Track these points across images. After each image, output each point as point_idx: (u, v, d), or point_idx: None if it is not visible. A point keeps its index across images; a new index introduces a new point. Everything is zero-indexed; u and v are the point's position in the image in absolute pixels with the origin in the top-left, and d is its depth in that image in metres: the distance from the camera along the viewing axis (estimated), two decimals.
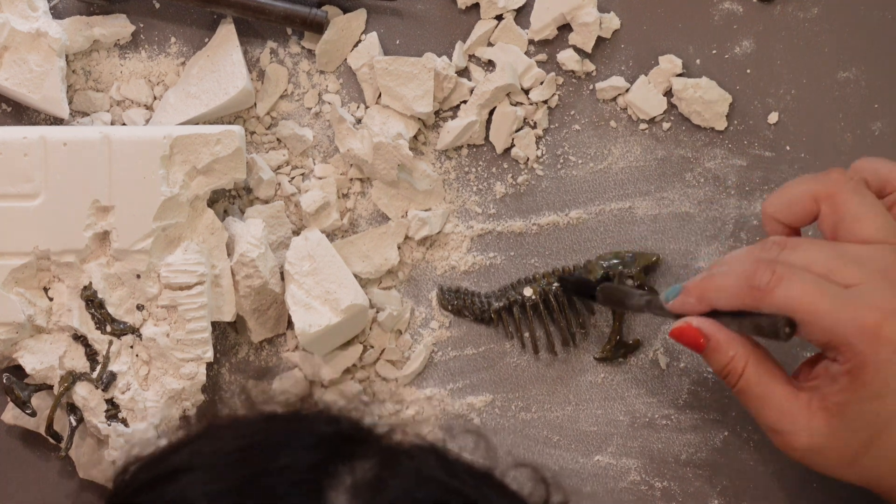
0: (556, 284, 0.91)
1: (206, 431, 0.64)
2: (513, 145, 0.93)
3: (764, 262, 0.78)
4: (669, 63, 0.93)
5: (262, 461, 0.60)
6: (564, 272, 0.92)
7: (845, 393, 0.77)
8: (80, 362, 0.89)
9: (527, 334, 0.92)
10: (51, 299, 0.90)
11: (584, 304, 0.92)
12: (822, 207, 0.80)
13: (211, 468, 0.61)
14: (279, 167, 0.93)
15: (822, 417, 0.78)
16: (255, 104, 0.94)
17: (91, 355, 0.89)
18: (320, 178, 0.93)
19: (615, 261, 0.92)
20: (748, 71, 0.93)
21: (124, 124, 0.93)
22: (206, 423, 0.65)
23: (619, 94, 0.93)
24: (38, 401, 0.90)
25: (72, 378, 0.89)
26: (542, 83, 0.93)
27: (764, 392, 0.80)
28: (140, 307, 0.89)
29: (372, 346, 0.93)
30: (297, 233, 0.93)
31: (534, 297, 0.92)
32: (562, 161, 0.93)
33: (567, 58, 0.93)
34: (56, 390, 0.89)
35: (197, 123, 0.92)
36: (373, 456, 0.61)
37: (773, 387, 0.80)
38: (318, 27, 0.93)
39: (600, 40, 0.93)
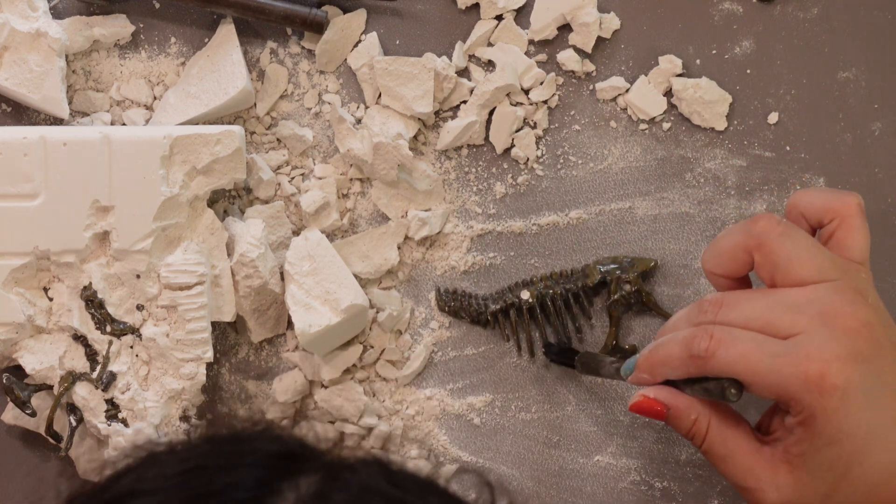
0: (552, 289, 0.92)
1: (149, 458, 0.64)
2: (513, 145, 0.93)
3: (701, 329, 0.78)
4: (669, 63, 0.93)
5: (206, 483, 0.60)
6: (562, 275, 0.92)
7: (803, 444, 0.77)
8: (80, 362, 0.89)
9: (523, 336, 0.92)
10: (51, 299, 0.90)
11: (582, 309, 0.92)
12: (755, 257, 0.80)
13: (155, 493, 0.60)
14: (279, 167, 0.93)
15: (785, 470, 0.78)
16: (255, 104, 0.94)
17: (91, 355, 0.89)
18: (320, 178, 0.93)
19: (613, 266, 0.92)
20: (748, 71, 0.93)
21: (124, 124, 0.93)
22: (147, 451, 0.64)
23: (619, 95, 0.93)
24: (38, 401, 0.90)
25: (72, 378, 0.89)
26: (542, 83, 0.93)
27: (728, 451, 0.80)
28: (140, 307, 0.89)
29: (372, 347, 0.93)
30: (297, 233, 0.93)
31: (531, 300, 0.92)
32: (562, 161, 0.93)
33: (567, 58, 0.93)
34: (56, 390, 0.89)
35: (197, 123, 0.92)
36: (316, 471, 0.61)
37: (737, 445, 0.80)
38: (318, 27, 0.93)
39: (600, 40, 0.93)
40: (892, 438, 0.77)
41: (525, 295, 0.92)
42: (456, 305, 0.93)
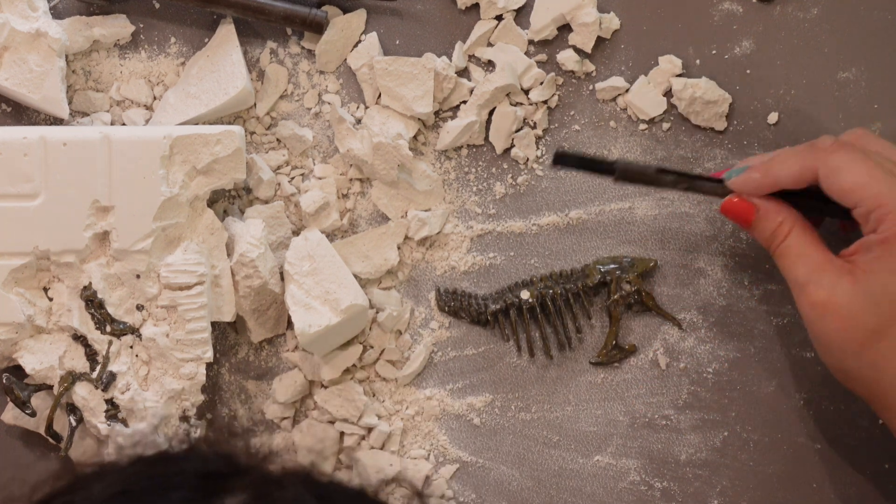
0: (552, 289, 0.92)
1: (76, 483, 0.63)
2: (513, 145, 0.93)
3: (827, 136, 0.81)
4: (669, 63, 0.93)
5: None
6: (562, 275, 0.92)
7: (875, 262, 0.78)
8: (79, 362, 0.89)
9: (523, 336, 0.92)
10: (51, 299, 0.90)
11: (582, 309, 0.92)
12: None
13: None
14: (279, 167, 0.93)
15: (848, 280, 0.79)
16: (255, 104, 0.94)
17: (91, 355, 0.89)
18: (320, 179, 0.93)
19: (613, 266, 0.92)
20: (748, 71, 0.93)
21: (124, 124, 0.93)
22: (73, 475, 0.64)
23: (619, 95, 0.93)
24: (38, 401, 0.90)
25: (72, 378, 0.89)
26: (541, 83, 0.93)
27: (804, 251, 0.81)
28: (140, 307, 0.89)
29: (372, 347, 0.93)
30: (296, 233, 0.93)
31: (531, 300, 0.92)
32: None
33: (567, 58, 0.93)
34: (56, 390, 0.89)
35: (197, 123, 0.92)
36: (244, 489, 0.60)
37: (813, 248, 0.81)
38: (318, 27, 0.93)
39: (600, 40, 0.93)
40: None
41: (525, 295, 0.92)
42: (456, 305, 0.93)
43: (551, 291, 0.92)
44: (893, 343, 0.78)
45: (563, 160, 0.85)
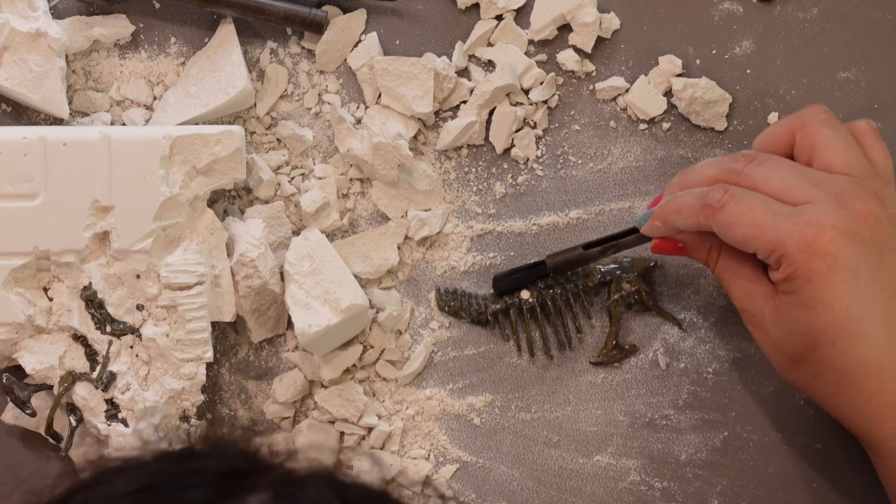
0: (553, 289, 0.92)
1: (99, 476, 0.63)
2: (513, 145, 0.93)
3: (718, 185, 0.82)
4: (669, 63, 0.93)
5: None
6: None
7: (785, 296, 0.81)
8: (79, 362, 0.89)
9: (523, 336, 0.92)
10: (51, 299, 0.90)
11: (582, 309, 0.92)
12: (796, 137, 0.85)
13: None
14: (279, 167, 0.93)
15: (770, 308, 0.83)
16: (255, 104, 0.94)
17: (91, 355, 0.89)
18: (320, 179, 0.93)
19: (613, 266, 0.92)
20: (748, 71, 0.93)
21: (124, 124, 0.93)
22: (96, 469, 0.64)
23: (619, 95, 0.93)
24: (38, 401, 0.90)
25: (72, 378, 0.89)
26: (541, 83, 0.93)
27: (735, 273, 0.84)
28: (140, 307, 0.89)
29: (372, 347, 0.93)
30: (296, 233, 0.93)
31: (531, 300, 0.92)
32: (562, 161, 0.93)
33: (567, 58, 0.93)
34: (56, 390, 0.89)
35: (197, 123, 0.92)
36: (266, 488, 0.60)
37: (742, 270, 0.84)
38: (318, 27, 0.93)
39: (600, 40, 0.93)
40: (877, 337, 0.80)
41: (525, 295, 0.92)
42: (456, 305, 0.93)
43: (551, 291, 0.92)
44: (814, 367, 0.82)
45: (500, 286, 0.92)
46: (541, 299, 0.92)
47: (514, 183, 0.93)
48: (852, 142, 0.84)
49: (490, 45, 0.94)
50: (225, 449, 0.64)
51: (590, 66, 0.93)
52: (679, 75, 0.93)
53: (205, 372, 0.89)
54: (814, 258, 0.79)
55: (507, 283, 0.92)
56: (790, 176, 0.82)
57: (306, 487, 0.61)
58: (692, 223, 0.83)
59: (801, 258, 0.80)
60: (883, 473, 0.84)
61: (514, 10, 0.93)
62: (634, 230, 0.88)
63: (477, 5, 0.94)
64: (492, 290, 0.93)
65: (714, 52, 0.93)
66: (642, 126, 0.93)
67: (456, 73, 0.93)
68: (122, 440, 0.88)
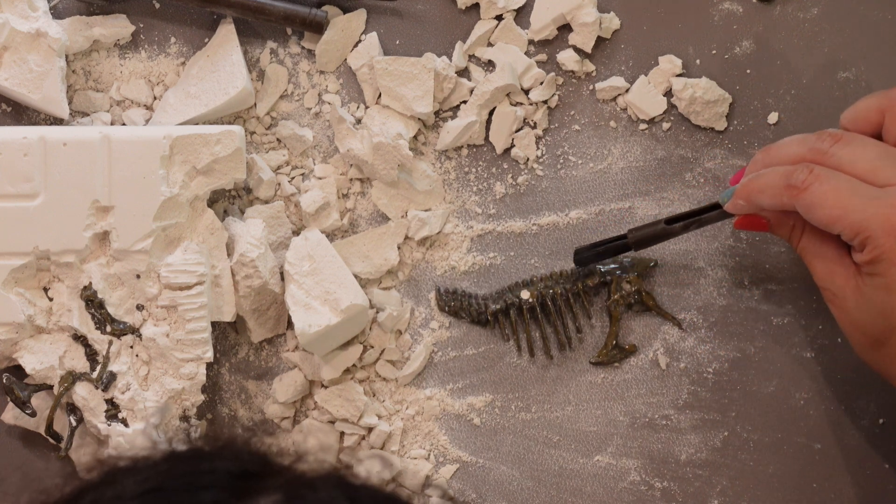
0: (553, 289, 0.92)
1: (109, 475, 0.63)
2: (513, 145, 0.93)
3: (803, 164, 0.82)
4: (669, 63, 0.93)
5: None
6: (562, 274, 0.92)
7: (868, 278, 0.81)
8: (79, 362, 0.89)
9: (523, 336, 0.92)
10: (51, 299, 0.90)
11: (582, 309, 0.92)
12: (885, 118, 0.84)
13: None
14: (279, 167, 0.93)
15: (852, 288, 0.82)
16: (255, 104, 0.94)
17: (91, 355, 0.89)
18: (320, 178, 0.93)
19: (613, 266, 0.92)
20: (748, 71, 0.93)
21: (124, 124, 0.93)
22: (105, 468, 0.63)
23: (619, 95, 0.93)
24: (38, 401, 0.90)
25: (72, 378, 0.89)
26: (541, 83, 0.93)
27: (818, 251, 0.84)
28: (140, 307, 0.89)
29: (372, 347, 0.93)
30: (297, 233, 0.93)
31: (531, 300, 0.92)
32: (562, 161, 0.93)
33: (567, 58, 0.93)
34: (56, 390, 0.89)
35: (197, 123, 0.92)
36: (276, 490, 0.60)
37: (826, 247, 0.84)
38: (318, 27, 0.93)
39: (600, 40, 0.93)
40: None
41: (525, 295, 0.92)
42: (456, 305, 0.93)
43: (551, 291, 0.92)
44: (894, 350, 0.81)
45: (582, 258, 0.91)
46: (541, 299, 0.92)
47: (514, 183, 0.93)
48: None
49: (490, 45, 0.94)
50: (235, 450, 0.64)
51: (590, 66, 0.93)
52: (679, 75, 0.93)
53: (205, 372, 0.89)
54: None
55: (588, 256, 0.91)
56: (877, 158, 0.81)
57: (316, 489, 0.61)
58: (776, 202, 0.83)
59: (886, 241, 0.79)
60: None
61: (514, 10, 0.93)
62: (717, 206, 0.87)
63: (477, 5, 0.94)
64: (495, 290, 0.93)
65: (714, 52, 0.93)
66: (642, 126, 0.93)
67: (456, 73, 0.93)
68: (123, 440, 0.88)
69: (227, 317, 0.90)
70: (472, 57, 0.94)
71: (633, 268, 0.92)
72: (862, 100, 0.86)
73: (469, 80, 0.93)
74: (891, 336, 0.81)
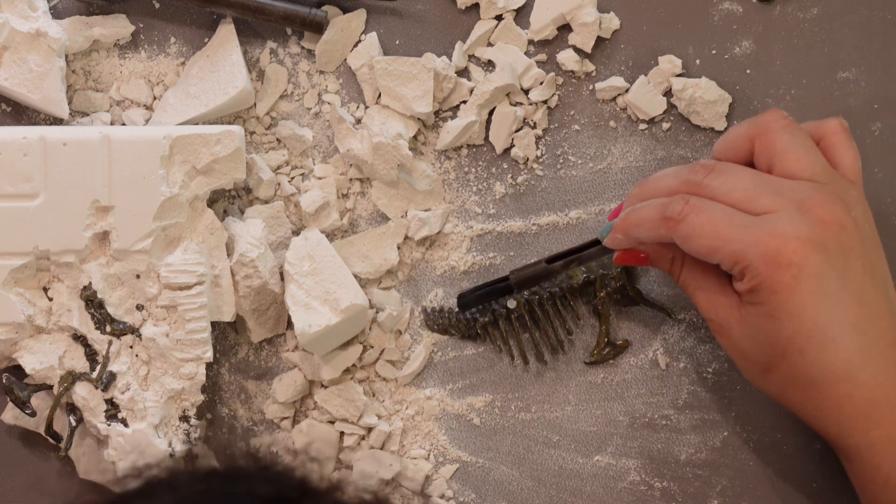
0: (538, 294, 0.92)
1: (146, 488, 0.63)
2: (512, 145, 0.93)
3: (679, 196, 0.82)
4: (669, 63, 0.93)
5: None
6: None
7: (750, 307, 0.81)
8: (79, 362, 0.89)
9: (515, 345, 0.92)
10: (50, 299, 0.90)
11: (569, 311, 0.92)
12: (755, 145, 0.84)
13: None
14: (279, 167, 0.93)
15: (736, 319, 0.82)
16: (255, 104, 0.94)
17: (91, 355, 0.89)
18: (320, 178, 0.93)
19: (594, 264, 0.92)
20: (748, 71, 0.93)
21: (124, 124, 0.93)
22: (145, 480, 0.63)
23: (619, 95, 0.93)
24: (38, 401, 0.90)
25: (71, 378, 0.89)
26: (541, 83, 0.93)
27: (699, 283, 0.84)
28: (140, 307, 0.89)
29: (372, 347, 0.93)
30: (296, 233, 0.93)
31: (517, 309, 0.92)
32: (561, 161, 0.93)
33: (567, 58, 0.93)
34: (56, 390, 0.89)
35: (197, 123, 0.92)
36: None
37: (707, 280, 0.84)
38: (318, 27, 0.93)
39: (600, 40, 0.93)
40: (845, 343, 0.80)
41: (511, 304, 0.92)
42: (444, 323, 0.93)
43: (537, 297, 0.92)
44: (783, 375, 0.82)
45: (465, 302, 0.92)
46: (527, 306, 0.92)
47: (513, 183, 0.93)
48: (812, 146, 0.83)
49: (490, 45, 0.94)
50: (275, 473, 0.64)
51: (590, 66, 0.93)
52: (679, 75, 0.93)
53: (205, 372, 0.89)
54: (778, 269, 0.79)
55: (471, 299, 0.92)
56: (751, 185, 0.81)
57: None
58: (654, 235, 0.83)
59: (765, 270, 0.79)
60: (855, 479, 0.83)
61: (514, 10, 0.93)
62: (597, 242, 0.88)
63: (477, 5, 0.94)
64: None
65: (714, 52, 0.93)
66: (642, 126, 0.93)
67: (456, 73, 0.93)
68: (123, 440, 0.88)
69: (227, 317, 0.90)
70: (471, 57, 0.94)
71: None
72: (731, 129, 0.86)
73: (469, 80, 0.93)
74: (778, 362, 0.81)
